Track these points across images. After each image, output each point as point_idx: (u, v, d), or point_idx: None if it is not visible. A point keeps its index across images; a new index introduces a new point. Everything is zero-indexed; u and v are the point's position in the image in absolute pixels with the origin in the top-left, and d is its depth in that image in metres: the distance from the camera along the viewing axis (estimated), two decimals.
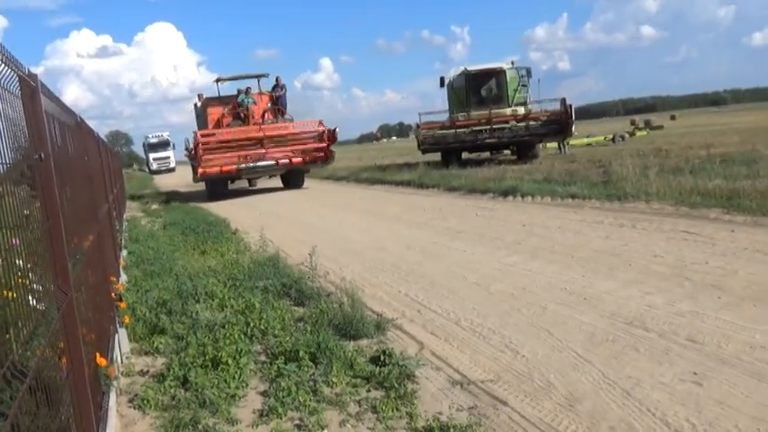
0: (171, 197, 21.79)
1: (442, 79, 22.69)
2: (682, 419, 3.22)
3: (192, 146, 19.99)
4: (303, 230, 11.35)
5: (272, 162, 19.41)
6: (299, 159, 19.78)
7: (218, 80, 21.76)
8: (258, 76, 21.96)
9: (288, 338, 4.74)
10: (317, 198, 17.68)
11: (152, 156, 55.14)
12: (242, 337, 4.78)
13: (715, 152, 16.36)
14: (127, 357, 4.80)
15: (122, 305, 4.98)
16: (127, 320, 4.96)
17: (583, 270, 6.38)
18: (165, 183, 34.45)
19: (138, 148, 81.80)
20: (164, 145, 55.46)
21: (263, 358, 4.59)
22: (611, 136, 31.11)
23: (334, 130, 19.94)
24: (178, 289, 6.43)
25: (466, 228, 9.81)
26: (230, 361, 4.25)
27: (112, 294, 4.85)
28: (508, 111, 20.92)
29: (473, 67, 22.02)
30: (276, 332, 4.99)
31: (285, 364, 4.24)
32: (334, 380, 3.99)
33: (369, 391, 3.90)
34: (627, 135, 32.66)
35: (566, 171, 15.39)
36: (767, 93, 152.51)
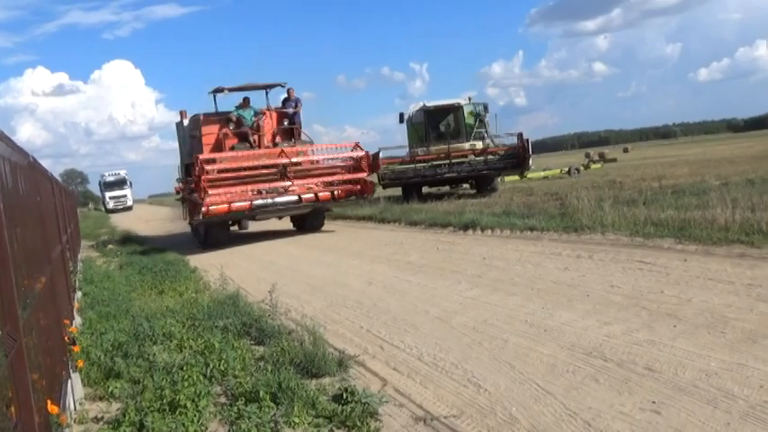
0: (128, 237, 21.29)
1: (401, 115, 23.00)
2: None
3: (185, 176, 15.64)
4: (263, 267, 11.24)
5: (295, 197, 15.01)
6: (330, 194, 15.49)
7: (216, 91, 16.29)
8: (268, 87, 16.93)
9: (248, 379, 4.65)
10: (277, 234, 17.56)
11: (108, 194, 54.26)
12: (201, 378, 4.66)
13: (667, 184, 16.88)
14: (80, 403, 4.63)
15: (76, 349, 4.83)
16: (80, 365, 4.80)
17: (542, 302, 6.46)
18: (122, 222, 33.79)
19: (94, 187, 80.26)
20: (120, 183, 54.73)
21: (222, 400, 4.49)
22: (566, 169, 31.82)
23: (377, 154, 15.99)
24: (134, 331, 6.27)
25: (427, 262, 9.85)
26: (189, 404, 4.14)
27: (65, 338, 4.70)
28: (466, 145, 21.27)
29: (431, 103, 22.40)
30: (236, 372, 4.90)
31: (245, 405, 4.15)
32: (296, 420, 3.92)
33: (331, 430, 3.85)
34: (582, 168, 33.43)
35: (524, 204, 15.66)
36: (714, 126, 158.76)
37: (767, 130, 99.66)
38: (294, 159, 15.13)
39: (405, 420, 3.95)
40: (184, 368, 4.84)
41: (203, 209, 13.63)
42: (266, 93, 16.99)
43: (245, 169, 14.70)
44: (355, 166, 15.62)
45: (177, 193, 19.58)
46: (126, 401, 4.46)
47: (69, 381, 4.37)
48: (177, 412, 4.08)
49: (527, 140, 20.41)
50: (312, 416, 4.00)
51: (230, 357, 5.14)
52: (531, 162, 21.00)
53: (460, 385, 4.44)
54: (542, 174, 30.82)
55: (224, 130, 15.75)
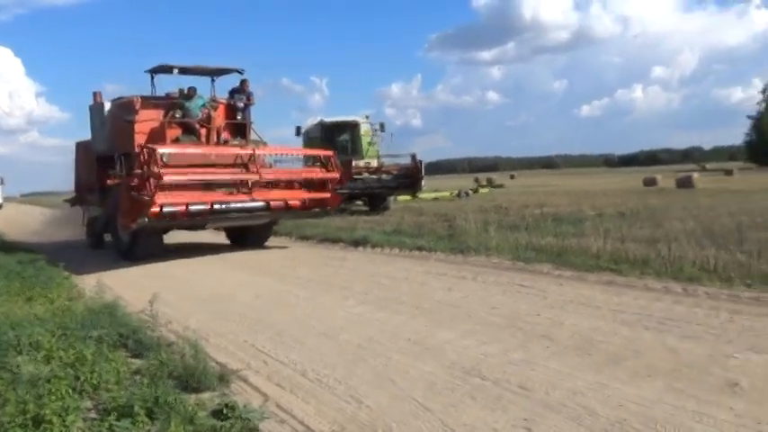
0: None
1: (298, 128, 22.93)
2: None
3: (121, 167, 12.41)
4: (145, 276, 10.79)
5: (261, 203, 12.63)
6: (302, 202, 13.38)
7: (158, 70, 13.69)
8: (221, 72, 14.48)
9: (122, 393, 4.44)
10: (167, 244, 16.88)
11: None
12: (70, 392, 4.40)
13: (548, 211, 17.83)
14: None
15: None
16: None
17: (426, 320, 6.63)
18: None
19: None
20: None
21: (93, 415, 4.26)
22: (456, 192, 32.88)
23: (349, 162, 14.50)
24: None
25: (316, 277, 9.84)
26: (55, 419, 3.90)
27: None
28: (362, 163, 21.52)
29: (329, 119, 22.55)
30: (110, 386, 4.67)
31: (118, 420, 3.96)
32: None
33: None
34: (471, 192, 34.68)
35: (414, 223, 16.02)
36: (593, 159, 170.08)
37: (638, 167, 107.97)
38: (264, 159, 13.05)
39: None
40: (52, 381, 4.55)
41: (152, 209, 10.90)
42: (212, 80, 14.65)
43: (204, 166, 12.44)
44: (326, 173, 13.73)
45: (80, 191, 16.53)
46: None
47: None
48: (41, 428, 3.83)
49: (420, 162, 21.00)
50: None
51: (104, 370, 4.89)
52: (423, 183, 21.58)
53: (343, 401, 4.46)
54: (433, 195, 31.63)
55: (167, 118, 13.31)
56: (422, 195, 27.54)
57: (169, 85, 14.49)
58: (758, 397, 4.14)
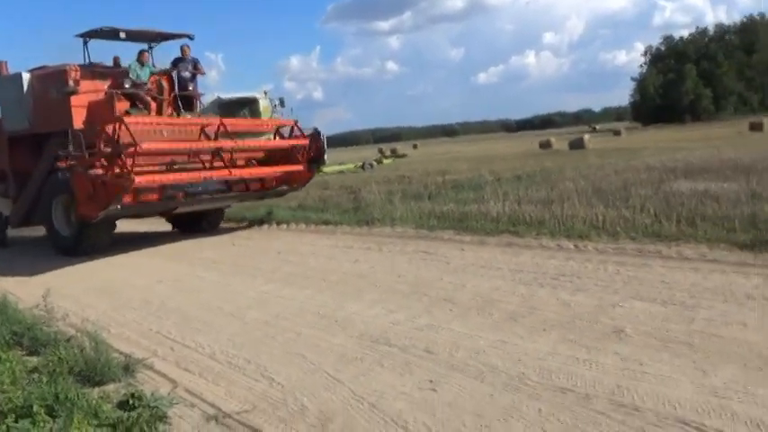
0: None
1: None
2: (419, 423, 3.56)
3: (76, 144, 9.75)
4: (35, 269, 10.22)
5: (223, 184, 11.69)
6: (260, 182, 12.57)
7: (93, 35, 11.79)
8: (169, 36, 12.71)
9: (19, 393, 4.25)
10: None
11: None
12: None
13: (449, 179, 18.27)
14: None
15: None
16: None
17: (334, 293, 6.71)
18: None
19: None
20: None
21: None
22: (360, 163, 32.99)
23: (319, 134, 13.42)
24: None
25: (221, 257, 9.70)
26: None
27: None
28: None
29: (227, 96, 21.84)
30: (5, 387, 4.45)
31: (16, 422, 3.80)
32: None
33: None
34: (375, 163, 34.88)
35: (319, 198, 16.01)
36: (490, 125, 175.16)
37: (534, 131, 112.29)
38: (236, 134, 11.68)
39: (195, 421, 3.91)
40: None
41: (127, 193, 9.53)
42: (150, 47, 12.50)
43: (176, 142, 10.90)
44: (301, 147, 13.03)
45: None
46: None
47: None
48: None
49: (323, 135, 20.87)
50: (94, 426, 3.78)
51: None
52: (326, 157, 21.46)
53: (253, 380, 4.48)
54: (338, 168, 31.60)
55: (116, 89, 11.25)
56: (326, 169, 27.44)
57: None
58: (641, 341, 4.51)
